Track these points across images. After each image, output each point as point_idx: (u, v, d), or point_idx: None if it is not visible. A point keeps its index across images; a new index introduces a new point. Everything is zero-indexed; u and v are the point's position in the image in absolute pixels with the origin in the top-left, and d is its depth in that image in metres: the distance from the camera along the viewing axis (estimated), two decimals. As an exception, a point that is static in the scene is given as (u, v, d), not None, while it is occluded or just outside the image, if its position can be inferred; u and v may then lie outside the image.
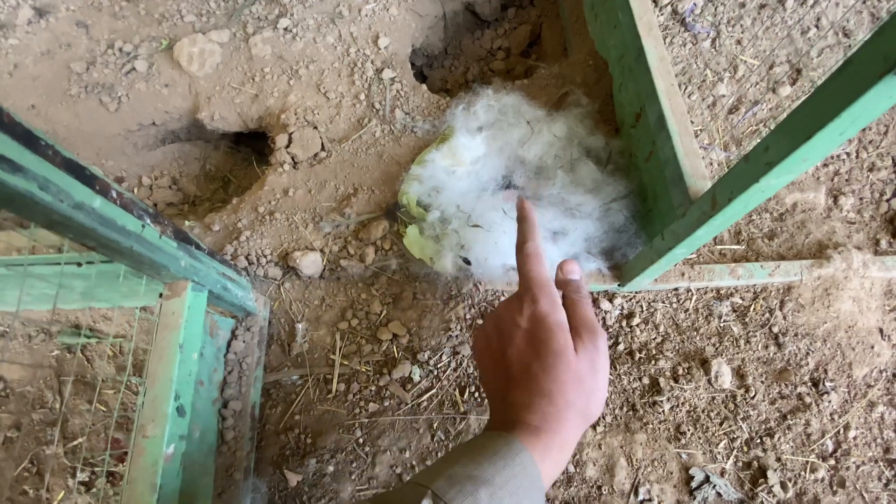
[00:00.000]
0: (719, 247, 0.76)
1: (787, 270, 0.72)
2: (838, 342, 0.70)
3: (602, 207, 0.69)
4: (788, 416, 0.66)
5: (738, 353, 0.69)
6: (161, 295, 0.50)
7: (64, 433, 0.72)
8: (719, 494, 0.62)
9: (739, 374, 0.69)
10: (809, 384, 0.68)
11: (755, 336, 0.70)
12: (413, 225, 0.72)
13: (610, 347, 0.70)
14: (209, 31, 0.92)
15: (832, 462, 0.64)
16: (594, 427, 0.66)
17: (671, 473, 0.63)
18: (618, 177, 0.70)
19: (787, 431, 0.66)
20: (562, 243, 0.68)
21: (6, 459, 0.71)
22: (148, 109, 0.92)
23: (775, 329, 0.71)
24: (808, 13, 0.91)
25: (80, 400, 0.73)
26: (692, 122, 0.83)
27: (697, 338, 0.70)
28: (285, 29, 0.91)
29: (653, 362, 0.69)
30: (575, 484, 0.63)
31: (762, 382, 0.68)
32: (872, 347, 0.70)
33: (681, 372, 0.68)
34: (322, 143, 0.82)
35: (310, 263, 0.71)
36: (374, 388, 0.68)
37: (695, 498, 0.62)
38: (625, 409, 0.67)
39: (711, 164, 0.81)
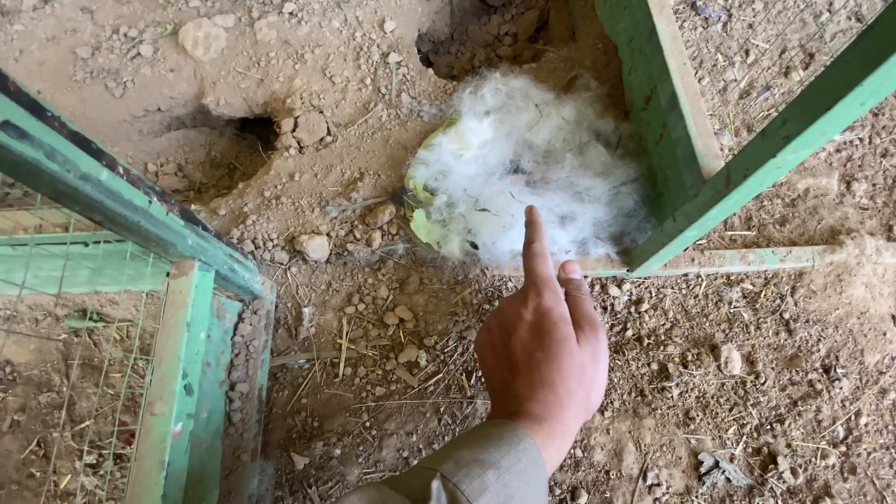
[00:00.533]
0: (730, 232, 0.75)
1: (799, 256, 0.71)
2: (850, 328, 0.69)
3: (611, 191, 0.68)
4: (799, 403, 0.66)
5: (748, 340, 0.69)
6: (168, 274, 0.49)
7: (71, 416, 0.72)
8: (728, 480, 0.61)
9: (749, 361, 0.68)
10: (820, 371, 0.67)
11: (766, 322, 0.69)
12: (420, 209, 0.71)
13: (618, 333, 0.69)
14: (214, 16, 0.91)
15: (843, 449, 0.64)
16: (602, 412, 0.65)
17: (680, 458, 0.63)
18: (627, 160, 0.70)
19: (797, 418, 0.65)
20: (570, 228, 0.67)
21: (13, 442, 0.71)
22: (153, 95, 0.92)
23: (786, 315, 0.70)
24: (821, -4, 0.89)
25: (88, 383, 0.73)
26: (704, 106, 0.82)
27: (707, 324, 0.70)
28: (290, 13, 0.90)
29: (661, 348, 0.68)
30: (583, 468, 0.62)
31: (772, 369, 0.67)
32: (885, 334, 0.69)
33: (690, 358, 0.67)
34: (328, 128, 0.81)
35: (316, 247, 0.70)
36: (380, 372, 0.67)
37: (704, 483, 0.61)
38: (633, 394, 0.66)
39: (722, 149, 0.80)
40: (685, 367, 0.67)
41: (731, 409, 0.65)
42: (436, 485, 0.36)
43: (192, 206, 0.79)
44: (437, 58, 1.11)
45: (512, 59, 1.05)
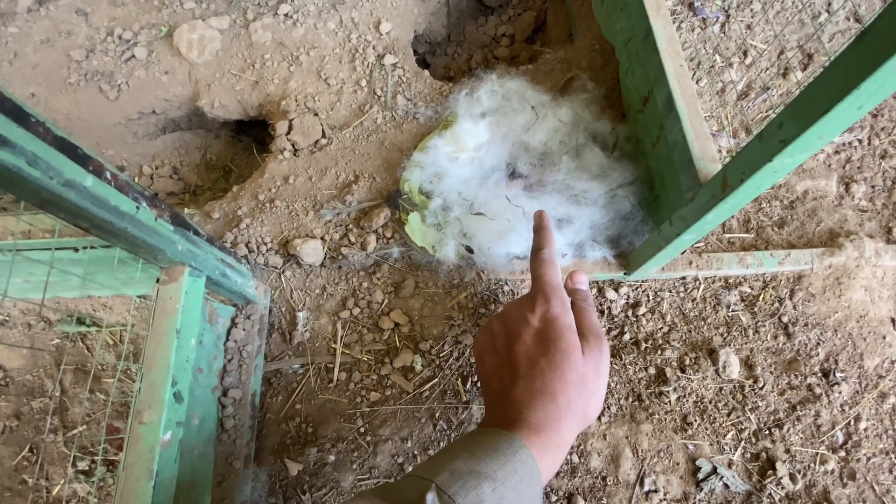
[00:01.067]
0: (728, 235, 0.75)
1: (798, 259, 0.70)
2: (849, 332, 0.69)
3: (608, 194, 0.67)
4: (798, 407, 0.65)
5: (746, 343, 0.68)
6: (158, 280, 0.49)
7: (64, 422, 0.71)
8: (726, 486, 0.61)
9: (748, 365, 0.67)
10: (819, 375, 0.67)
11: (764, 326, 0.69)
12: (415, 212, 0.70)
13: (615, 337, 0.69)
14: (209, 18, 0.90)
15: (842, 454, 0.63)
16: (599, 417, 0.64)
17: (677, 464, 0.62)
18: (624, 163, 0.69)
19: (796, 423, 0.64)
20: (567, 231, 0.67)
21: (6, 448, 0.71)
22: (148, 97, 0.91)
23: (785, 319, 0.69)
24: (820, -3, 0.88)
25: (80, 388, 0.73)
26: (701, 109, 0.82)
27: (705, 327, 0.69)
28: (286, 15, 0.89)
29: (659, 352, 0.67)
30: (579, 474, 0.62)
31: (771, 373, 0.67)
32: (884, 338, 0.69)
33: (688, 362, 0.67)
34: (323, 130, 0.81)
35: (310, 251, 0.70)
36: (375, 377, 0.67)
37: (701, 489, 0.60)
38: (630, 399, 0.66)
39: (720, 151, 0.79)
40: (683, 371, 0.66)
41: (729, 414, 0.65)
42: (431, 497, 0.35)
43: (186, 210, 0.78)
44: (434, 59, 1.11)
45: (509, 60, 1.04)
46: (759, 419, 0.64)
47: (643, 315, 0.69)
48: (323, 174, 0.77)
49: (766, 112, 0.82)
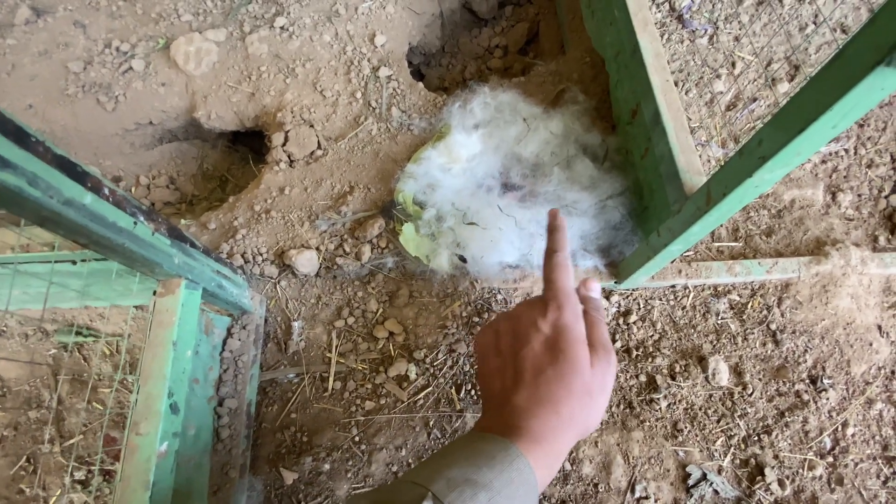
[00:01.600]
0: (717, 244, 0.76)
1: (785, 267, 0.72)
2: (836, 339, 0.70)
3: (598, 204, 0.69)
4: (786, 414, 0.66)
5: (735, 351, 0.69)
6: (154, 293, 0.50)
7: (61, 432, 0.72)
8: (716, 492, 0.62)
9: (737, 372, 0.68)
10: (807, 381, 0.68)
11: (753, 333, 0.70)
12: (409, 223, 0.71)
13: (607, 345, 0.70)
14: (206, 30, 0.92)
15: (830, 459, 0.64)
16: (591, 425, 0.65)
17: (668, 471, 0.63)
18: (614, 174, 0.70)
19: (784, 429, 0.65)
20: (558, 240, 0.68)
21: (3, 458, 0.71)
22: (145, 109, 0.92)
23: (773, 326, 0.70)
24: (805, 9, 0.90)
25: (77, 398, 0.73)
26: (689, 119, 0.83)
27: (695, 335, 0.70)
28: (282, 27, 0.91)
29: (650, 360, 0.68)
30: (571, 482, 0.62)
31: (760, 380, 0.68)
32: (871, 344, 0.70)
33: (678, 369, 0.68)
34: (318, 142, 0.82)
35: (306, 261, 0.71)
36: (370, 386, 0.68)
37: (692, 495, 0.61)
38: (622, 406, 0.66)
39: (709, 160, 0.81)
40: (673, 378, 0.67)
41: (718, 421, 0.66)
42: None
43: (183, 221, 0.79)
44: (429, 70, 1.12)
45: (502, 71, 1.06)
46: (748, 425, 0.65)
47: (634, 323, 0.71)
48: (318, 185, 0.78)
49: (754, 122, 0.84)
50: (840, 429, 0.66)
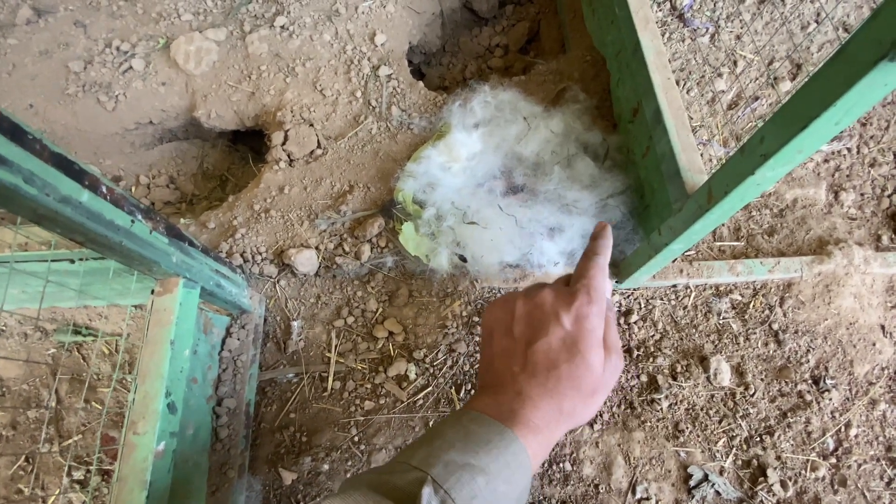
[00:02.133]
0: (718, 243, 0.75)
1: (788, 267, 0.71)
2: (839, 339, 0.69)
3: (599, 203, 0.68)
4: (789, 414, 0.65)
5: (737, 351, 0.69)
6: (153, 291, 0.49)
7: (59, 431, 0.72)
8: (718, 493, 0.61)
9: (739, 372, 0.68)
10: (810, 382, 0.67)
11: (755, 333, 0.70)
12: (409, 222, 0.71)
13: (607, 345, 0.69)
14: (206, 30, 0.92)
15: (833, 460, 0.64)
16: (591, 424, 0.65)
17: (669, 472, 0.63)
18: (615, 172, 0.70)
19: (787, 429, 0.65)
20: (559, 239, 0.68)
21: (1, 458, 0.71)
22: (145, 108, 0.92)
23: (775, 326, 0.70)
24: (807, 8, 0.90)
25: (76, 398, 0.73)
26: (691, 118, 0.83)
27: (696, 335, 0.70)
28: (282, 27, 0.91)
29: (651, 360, 0.68)
30: (572, 482, 0.62)
31: (762, 380, 0.67)
32: (874, 344, 0.69)
33: (679, 369, 0.67)
34: (318, 141, 0.82)
35: (305, 261, 0.70)
36: (369, 385, 0.67)
37: (693, 497, 0.61)
38: (622, 406, 0.66)
39: (711, 159, 0.80)
40: (674, 378, 0.67)
41: (720, 421, 0.65)
42: (427, 491, 0.36)
43: (182, 220, 0.79)
44: (429, 69, 1.12)
45: (503, 70, 1.06)
46: (750, 426, 0.65)
47: (635, 323, 0.70)
48: (318, 184, 0.78)
49: (756, 121, 0.84)
50: (843, 429, 0.65)
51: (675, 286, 0.72)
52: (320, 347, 0.70)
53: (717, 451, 0.64)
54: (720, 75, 0.86)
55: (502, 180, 0.74)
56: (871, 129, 0.84)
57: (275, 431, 0.66)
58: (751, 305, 0.71)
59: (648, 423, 0.65)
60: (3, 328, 0.75)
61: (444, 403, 0.66)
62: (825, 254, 0.72)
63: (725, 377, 0.67)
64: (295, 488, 0.62)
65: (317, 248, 0.72)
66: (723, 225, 0.77)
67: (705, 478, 0.62)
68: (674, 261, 0.71)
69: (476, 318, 0.70)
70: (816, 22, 0.90)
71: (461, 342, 0.69)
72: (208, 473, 0.58)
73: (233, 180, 1.04)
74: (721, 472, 0.63)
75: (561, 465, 0.63)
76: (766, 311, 0.71)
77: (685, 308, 0.71)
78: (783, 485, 0.62)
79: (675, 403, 0.66)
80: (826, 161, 0.82)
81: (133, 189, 1.02)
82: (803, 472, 0.63)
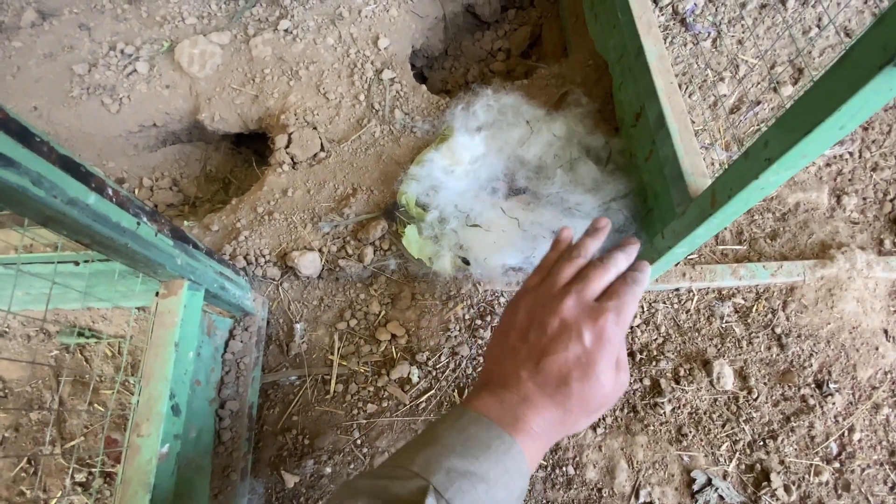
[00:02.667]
0: (721, 247, 0.75)
1: (790, 271, 0.71)
2: (842, 343, 0.69)
3: (601, 207, 0.68)
4: (792, 419, 0.65)
5: (740, 355, 0.68)
6: (157, 293, 0.49)
7: (62, 433, 0.71)
8: (721, 497, 0.61)
9: (742, 376, 0.68)
10: (813, 386, 0.67)
11: (757, 337, 0.69)
12: (412, 225, 0.71)
13: (610, 348, 0.69)
14: (210, 33, 0.92)
15: (836, 465, 0.63)
16: (594, 428, 0.65)
17: (672, 476, 0.62)
18: (618, 176, 0.70)
19: (790, 434, 0.65)
20: (561, 243, 0.68)
21: (4, 460, 0.71)
22: (149, 111, 0.92)
23: (778, 330, 0.70)
24: (809, 12, 0.90)
25: (79, 400, 0.73)
26: (693, 122, 0.83)
27: (699, 339, 0.70)
28: (286, 30, 0.91)
29: (654, 363, 0.68)
30: (575, 486, 0.62)
31: (765, 384, 0.67)
32: (877, 349, 0.69)
33: (682, 373, 0.67)
34: (321, 144, 0.82)
35: (308, 263, 0.71)
36: (372, 388, 0.67)
37: (697, 501, 0.61)
38: (625, 410, 0.66)
39: (713, 163, 0.81)
40: (677, 382, 0.67)
41: (723, 425, 0.65)
42: (430, 501, 0.36)
43: (186, 222, 0.79)
44: (432, 73, 1.12)
45: (505, 74, 1.06)
46: (753, 430, 0.65)
47: (638, 326, 0.70)
48: (321, 187, 0.78)
49: (758, 125, 0.84)
50: (846, 434, 0.65)
51: (677, 290, 0.72)
52: (323, 350, 0.70)
53: (721, 455, 0.63)
54: (722, 79, 0.86)
55: (505, 183, 0.74)
56: (873, 133, 0.85)
57: (277, 434, 0.65)
58: (753, 309, 0.71)
59: (651, 427, 0.65)
60: (6, 330, 0.75)
61: (447, 406, 0.66)
62: (828, 258, 0.72)
63: (728, 381, 0.66)
64: (297, 491, 0.62)
65: (320, 250, 0.72)
66: (725, 229, 0.77)
67: (709, 482, 0.62)
68: (676, 264, 0.71)
69: (479, 321, 0.70)
70: (818, 27, 0.91)
71: (464, 345, 0.69)
72: (211, 476, 0.58)
73: (236, 183, 1.04)
74: (724, 477, 0.62)
75: (564, 468, 0.63)
76: (769, 315, 0.71)
77: (688, 312, 0.71)
78: (787, 489, 0.62)
79: (679, 407, 0.66)
80: (828, 165, 0.82)
81: (136, 191, 1.02)
82: (807, 476, 0.63)
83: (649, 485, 0.62)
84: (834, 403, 0.66)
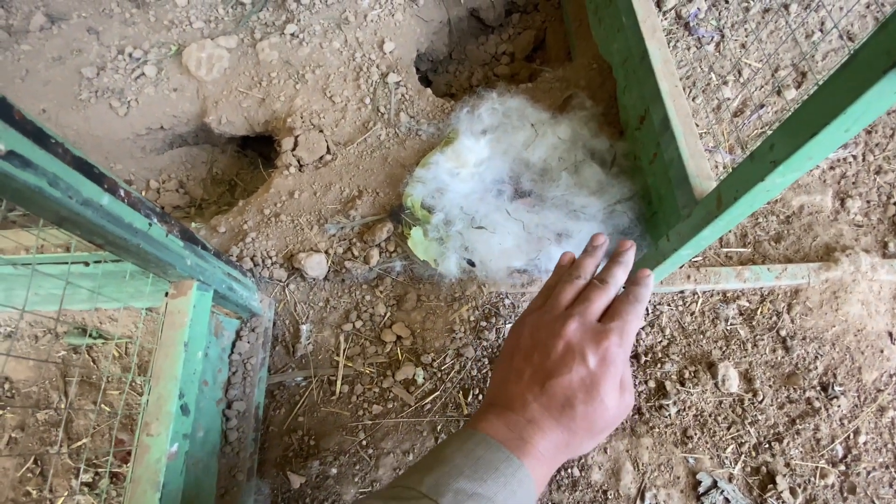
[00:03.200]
0: (725, 249, 0.76)
1: (795, 273, 0.71)
2: (847, 346, 0.69)
3: (606, 209, 0.69)
4: (797, 421, 0.65)
5: (745, 357, 0.69)
6: (167, 294, 0.50)
7: (68, 434, 0.72)
8: (727, 500, 0.61)
9: (747, 378, 0.68)
10: (818, 388, 0.67)
11: (762, 339, 0.70)
12: (417, 227, 0.72)
13: (615, 350, 0.70)
14: (217, 37, 0.93)
15: (842, 468, 0.63)
16: (599, 430, 0.65)
17: (678, 478, 0.62)
18: (622, 179, 0.70)
19: (795, 436, 0.65)
20: (566, 245, 0.68)
21: (10, 460, 0.71)
22: (156, 114, 0.93)
23: (783, 332, 0.70)
24: (812, 17, 0.91)
25: (86, 400, 0.73)
26: (697, 125, 0.83)
27: (704, 341, 0.70)
28: (292, 34, 0.92)
29: (659, 366, 0.68)
30: (580, 488, 0.62)
31: (770, 386, 0.67)
32: (882, 351, 0.69)
33: (687, 375, 0.67)
34: (327, 146, 0.82)
35: (315, 265, 0.71)
36: (377, 390, 0.67)
37: (702, 503, 0.61)
38: (631, 412, 0.66)
39: (717, 166, 0.81)
40: (682, 384, 0.67)
41: (729, 428, 0.65)
42: None
43: (193, 224, 0.80)
44: (436, 76, 1.13)
45: (509, 78, 1.07)
46: (758, 433, 0.65)
47: (643, 328, 0.70)
48: (327, 189, 0.79)
49: (762, 129, 0.84)
50: (852, 437, 0.65)
51: (682, 292, 0.72)
52: (329, 351, 0.70)
53: (726, 457, 0.64)
54: (726, 83, 0.86)
55: (510, 186, 0.75)
56: (877, 136, 0.85)
57: (283, 435, 0.66)
58: (758, 312, 0.71)
59: (657, 429, 0.65)
60: (14, 330, 0.76)
61: (452, 408, 0.66)
62: (832, 260, 0.72)
63: (733, 383, 0.67)
64: (303, 492, 0.62)
65: (326, 252, 0.73)
66: (730, 231, 0.78)
67: (714, 484, 0.62)
68: (681, 267, 0.71)
69: (484, 323, 0.70)
70: (821, 31, 0.91)
71: (469, 347, 0.69)
72: (217, 476, 0.58)
73: (241, 185, 1.05)
74: (730, 479, 0.62)
75: (569, 470, 0.63)
76: (774, 318, 0.71)
77: (693, 314, 0.71)
78: (792, 492, 0.62)
79: (684, 409, 0.66)
80: (832, 168, 0.82)
81: (143, 193, 1.03)
82: (812, 479, 0.63)
83: (655, 487, 0.62)
84: (839, 406, 0.66)
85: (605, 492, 0.62)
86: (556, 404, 0.43)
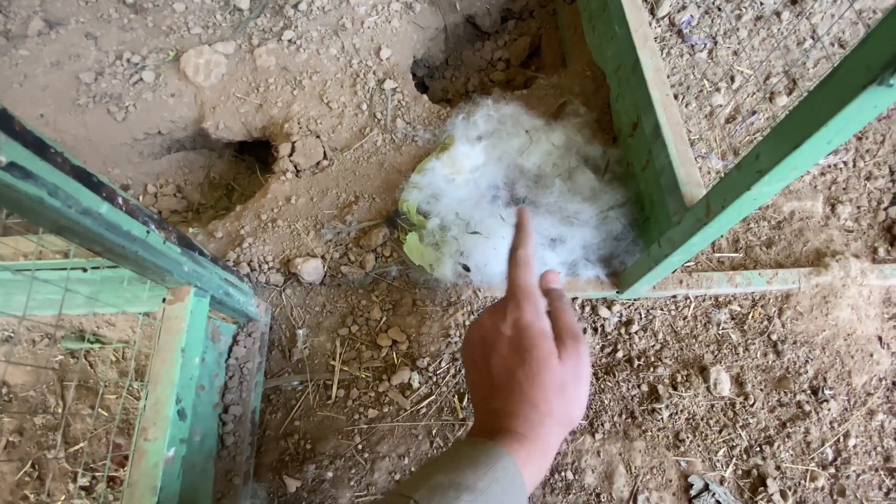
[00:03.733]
0: (717, 254, 0.77)
1: (786, 278, 0.72)
2: (837, 350, 0.70)
3: (600, 215, 0.69)
4: (788, 424, 0.66)
5: (736, 361, 0.69)
6: (164, 300, 0.51)
7: (66, 438, 0.72)
8: (719, 502, 0.62)
9: (738, 382, 0.69)
10: (809, 392, 0.68)
11: (754, 343, 0.70)
12: (413, 232, 0.72)
13: (608, 354, 0.70)
14: (215, 43, 0.94)
15: (832, 470, 0.64)
16: (592, 434, 0.66)
17: (670, 481, 0.63)
18: (615, 185, 0.71)
19: (786, 440, 0.65)
20: (560, 250, 0.69)
21: (8, 464, 0.72)
22: (154, 119, 0.94)
23: (774, 337, 0.71)
24: (803, 24, 0.92)
25: (83, 405, 0.74)
26: (689, 132, 0.84)
27: (696, 345, 0.71)
28: (289, 41, 0.93)
29: (651, 369, 0.69)
30: (574, 491, 0.63)
31: (761, 390, 0.68)
32: (871, 355, 0.70)
33: (679, 379, 0.68)
34: (324, 152, 0.83)
35: (311, 270, 0.72)
36: (373, 394, 0.68)
37: (694, 506, 0.61)
38: (623, 416, 0.67)
39: (709, 172, 0.82)
40: (675, 388, 0.68)
41: (720, 431, 0.66)
42: None
43: (190, 229, 0.80)
44: (433, 82, 1.14)
45: (505, 83, 1.08)
46: (749, 436, 0.66)
47: (636, 333, 0.71)
48: (324, 195, 0.80)
49: (753, 135, 0.85)
50: (842, 440, 0.66)
51: (674, 297, 0.73)
52: (325, 355, 0.70)
53: (718, 460, 0.64)
54: (718, 90, 0.87)
55: (505, 192, 0.76)
56: (867, 143, 0.86)
57: (279, 439, 0.66)
58: (750, 316, 0.72)
59: (649, 433, 0.65)
60: (11, 335, 0.76)
61: (448, 412, 0.67)
62: (822, 265, 0.73)
63: (725, 387, 0.67)
64: (299, 496, 0.63)
65: (322, 257, 0.74)
66: (721, 237, 0.79)
67: (706, 487, 0.62)
68: (673, 272, 0.72)
69: (479, 328, 0.71)
70: (812, 38, 0.93)
71: (464, 351, 0.70)
72: (214, 480, 0.59)
73: (239, 190, 1.06)
74: (721, 482, 0.63)
75: (563, 473, 0.63)
76: (765, 322, 0.72)
77: (685, 318, 0.72)
78: (783, 494, 0.62)
79: (676, 413, 0.67)
80: (823, 174, 0.84)
81: (141, 198, 1.03)
82: (803, 481, 0.63)
83: (647, 490, 0.62)
84: (829, 409, 0.67)
85: (598, 495, 0.62)
86: (502, 381, 0.45)
